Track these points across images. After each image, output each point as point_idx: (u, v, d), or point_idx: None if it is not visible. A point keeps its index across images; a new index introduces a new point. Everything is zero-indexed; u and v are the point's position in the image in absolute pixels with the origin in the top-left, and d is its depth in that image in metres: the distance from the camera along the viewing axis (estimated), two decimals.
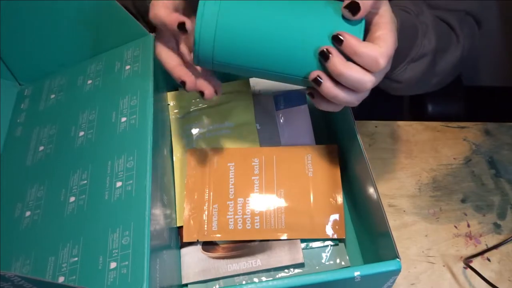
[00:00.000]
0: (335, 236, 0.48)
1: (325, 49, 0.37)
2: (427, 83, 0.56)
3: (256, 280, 0.47)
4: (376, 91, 0.66)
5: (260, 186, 0.50)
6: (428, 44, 0.50)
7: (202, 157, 0.52)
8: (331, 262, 0.48)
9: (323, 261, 0.48)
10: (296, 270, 0.48)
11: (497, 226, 0.55)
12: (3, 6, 0.50)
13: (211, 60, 0.40)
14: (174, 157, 0.53)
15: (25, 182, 0.47)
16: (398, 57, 0.46)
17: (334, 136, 0.55)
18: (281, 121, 0.55)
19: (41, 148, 0.49)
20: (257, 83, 0.59)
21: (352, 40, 0.36)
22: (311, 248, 0.49)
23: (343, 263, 0.48)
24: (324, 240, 0.49)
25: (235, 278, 0.47)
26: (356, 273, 0.37)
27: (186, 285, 0.48)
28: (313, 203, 0.49)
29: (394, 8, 0.42)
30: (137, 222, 0.39)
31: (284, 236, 0.48)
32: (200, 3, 0.38)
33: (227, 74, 0.48)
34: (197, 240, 0.48)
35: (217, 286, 0.47)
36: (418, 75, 0.51)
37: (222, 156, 0.52)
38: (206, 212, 0.49)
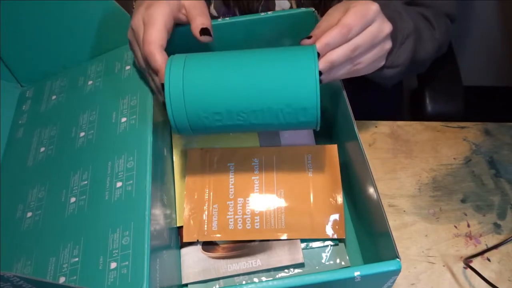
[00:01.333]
0: (335, 236, 0.48)
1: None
2: (417, 65, 0.63)
3: (256, 280, 0.47)
4: (375, 91, 0.67)
5: (260, 186, 0.50)
6: (407, 26, 0.56)
7: (202, 157, 0.52)
8: (331, 262, 0.48)
9: (323, 261, 0.48)
10: (296, 270, 0.48)
11: (497, 226, 0.55)
12: (3, 7, 0.51)
13: (190, 130, 0.43)
14: (174, 157, 0.53)
15: (26, 183, 0.47)
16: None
17: (334, 136, 0.55)
18: None
19: (42, 149, 0.50)
20: None
21: (331, 35, 0.42)
22: (311, 248, 0.49)
23: (343, 263, 0.48)
24: (324, 240, 0.49)
25: (235, 278, 0.48)
26: (356, 273, 0.37)
27: (186, 285, 0.48)
28: (313, 203, 0.49)
29: None
30: (137, 222, 0.39)
31: (284, 236, 0.48)
32: (166, 79, 0.41)
33: None
34: (197, 240, 0.48)
35: (217, 286, 0.48)
36: (410, 55, 0.57)
37: (222, 156, 0.52)
38: (206, 212, 0.49)
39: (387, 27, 0.45)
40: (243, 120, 0.42)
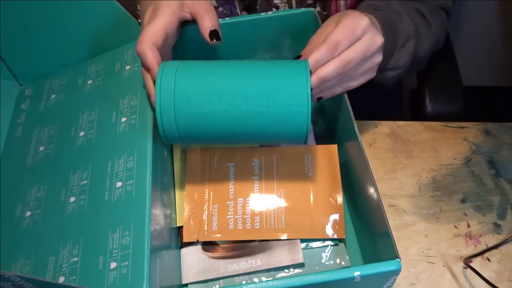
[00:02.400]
0: (335, 236, 0.48)
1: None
2: (417, 63, 0.63)
3: (256, 280, 0.47)
4: (376, 91, 0.67)
5: (260, 186, 0.50)
6: (408, 28, 0.56)
7: (202, 157, 0.52)
8: (331, 262, 0.48)
9: (323, 261, 0.48)
10: (296, 270, 0.48)
11: (497, 226, 0.55)
12: (3, 6, 0.50)
13: (178, 137, 0.42)
14: (174, 157, 0.53)
15: (26, 182, 0.47)
16: (390, 48, 0.53)
17: (334, 136, 0.55)
18: None
19: (42, 148, 0.49)
20: None
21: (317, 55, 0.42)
22: (311, 248, 0.49)
23: (343, 263, 0.48)
24: (324, 240, 0.49)
25: (235, 278, 0.48)
26: (356, 273, 0.37)
27: (186, 285, 0.48)
28: (313, 203, 0.49)
29: (367, 10, 0.49)
30: (137, 222, 0.39)
31: (284, 236, 0.48)
32: (156, 87, 0.40)
33: None
34: (197, 240, 0.48)
35: (217, 286, 0.48)
36: (411, 56, 0.57)
37: (222, 156, 0.52)
38: (206, 212, 0.49)
39: (379, 40, 0.45)
40: (232, 122, 0.41)
